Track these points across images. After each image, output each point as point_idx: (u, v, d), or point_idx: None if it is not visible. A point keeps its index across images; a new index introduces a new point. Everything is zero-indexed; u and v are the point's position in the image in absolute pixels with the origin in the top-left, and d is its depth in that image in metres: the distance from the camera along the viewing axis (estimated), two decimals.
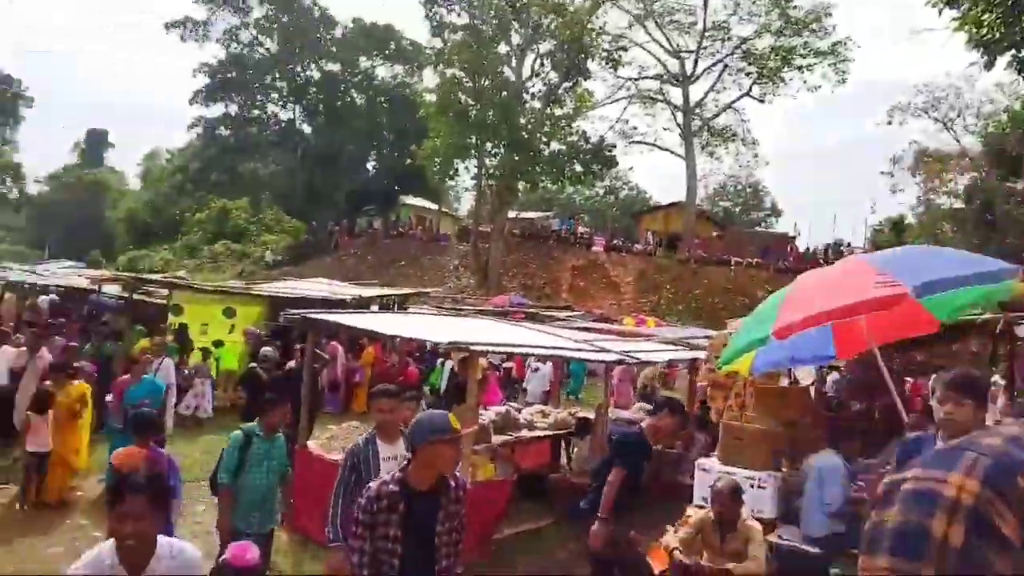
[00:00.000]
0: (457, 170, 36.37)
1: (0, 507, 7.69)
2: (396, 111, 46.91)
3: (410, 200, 51.04)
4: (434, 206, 51.09)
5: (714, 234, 43.33)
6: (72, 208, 72.02)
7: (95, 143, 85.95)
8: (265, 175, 50.56)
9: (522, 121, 33.43)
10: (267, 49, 49.71)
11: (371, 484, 3.25)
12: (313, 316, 7.87)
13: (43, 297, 16.73)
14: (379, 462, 4.48)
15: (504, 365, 14.63)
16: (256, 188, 50.87)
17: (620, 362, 8.11)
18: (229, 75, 48.83)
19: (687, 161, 40.15)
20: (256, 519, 5.15)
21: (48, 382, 8.20)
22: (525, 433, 9.40)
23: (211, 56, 50.14)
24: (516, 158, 33.23)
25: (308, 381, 8.47)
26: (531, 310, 22.93)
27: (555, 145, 34.30)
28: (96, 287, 15.59)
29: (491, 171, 35.61)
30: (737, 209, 63.46)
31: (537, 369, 13.92)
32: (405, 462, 3.28)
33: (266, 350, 10.52)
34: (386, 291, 19.90)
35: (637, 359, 8.31)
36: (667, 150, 42.10)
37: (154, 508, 2.79)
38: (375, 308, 17.91)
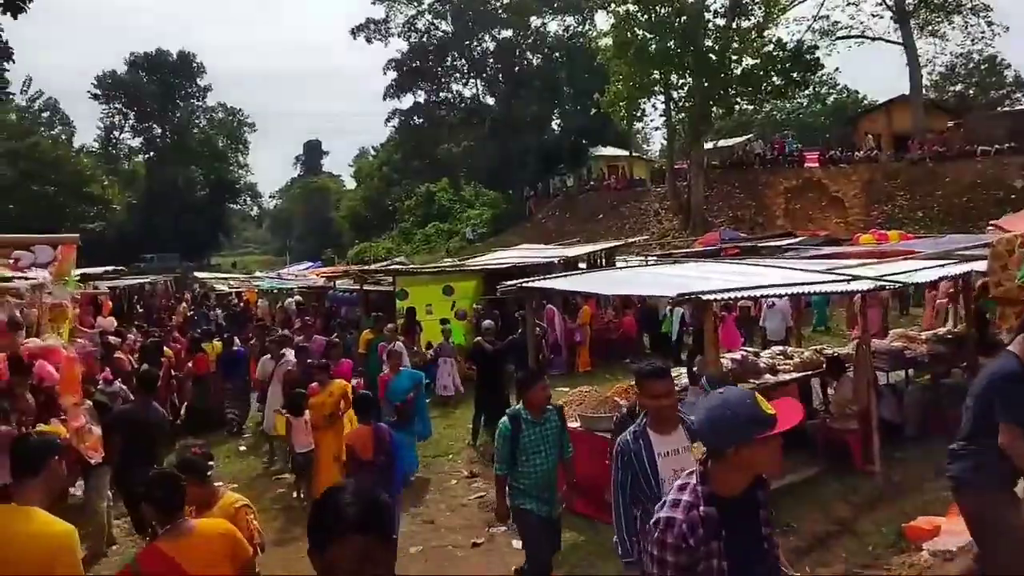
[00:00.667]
0: (644, 110, 35.00)
1: (281, 496, 8.53)
2: (573, 64, 46.15)
3: (599, 151, 50.20)
4: (624, 152, 49.79)
5: (949, 125, 37.46)
6: (304, 215, 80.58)
7: (312, 154, 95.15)
8: (459, 153, 52.44)
9: (707, 43, 31.12)
10: (443, 31, 51.14)
11: (669, 512, 2.45)
12: (529, 285, 7.68)
13: (288, 300, 18.62)
14: (655, 459, 3.71)
15: (739, 303, 13.49)
16: (453, 167, 53.00)
17: (880, 288, 7.00)
18: (414, 65, 51.01)
19: (905, 47, 34.96)
20: (543, 504, 4.90)
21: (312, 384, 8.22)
22: (768, 378, 8.59)
23: (395, 51, 52.67)
24: (706, 84, 31.11)
25: (532, 348, 8.39)
26: (745, 243, 21.42)
27: (747, 61, 31.53)
28: (331, 284, 16.98)
29: (680, 103, 33.71)
30: (972, 91, 54.42)
31: (773, 305, 12.78)
32: (700, 466, 2.53)
33: (487, 323, 10.65)
34: (590, 247, 19.59)
35: (901, 283, 7.12)
36: (879, 39, 37.01)
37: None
38: (583, 266, 17.71)
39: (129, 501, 6.38)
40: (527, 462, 4.82)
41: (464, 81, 53.28)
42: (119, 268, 16.53)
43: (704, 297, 5.85)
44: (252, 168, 72.46)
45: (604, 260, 17.96)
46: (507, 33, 50.64)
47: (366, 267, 20.10)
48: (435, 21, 51.17)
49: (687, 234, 31.84)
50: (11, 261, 4.33)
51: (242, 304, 23.91)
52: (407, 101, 52.73)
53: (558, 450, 4.98)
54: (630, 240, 24.21)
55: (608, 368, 14.74)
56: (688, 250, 23.47)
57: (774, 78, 31.57)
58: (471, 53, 51.33)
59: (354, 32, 50.67)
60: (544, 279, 8.30)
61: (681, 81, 32.72)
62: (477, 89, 53.34)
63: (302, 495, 8.06)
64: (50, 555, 2.78)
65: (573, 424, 7.46)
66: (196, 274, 41.47)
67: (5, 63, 26.93)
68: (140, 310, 23.54)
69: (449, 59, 51.82)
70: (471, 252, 33.42)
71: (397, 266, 21.62)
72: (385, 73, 51.45)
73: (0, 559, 2.74)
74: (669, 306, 13.57)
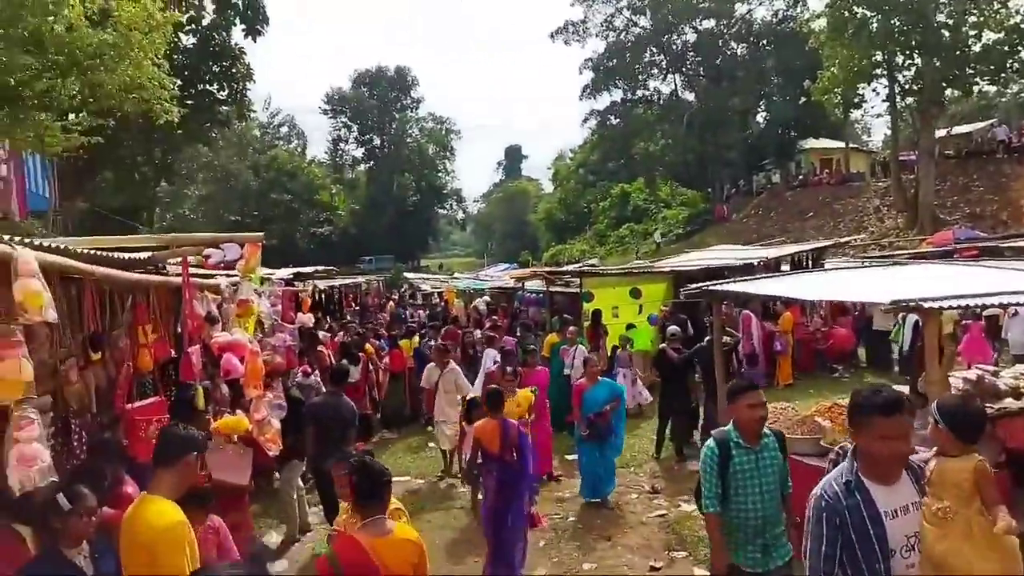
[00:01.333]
0: (863, 97, 31.62)
1: (452, 499, 8.59)
2: (781, 51, 43.10)
3: (810, 143, 46.46)
4: (840, 144, 45.60)
5: None
6: (503, 218, 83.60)
7: (513, 158, 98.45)
8: (655, 151, 51.25)
9: (940, 18, 27.45)
10: (641, 27, 50.33)
11: None
12: (715, 288, 7.04)
13: (479, 300, 19.19)
14: (881, 520, 2.72)
15: (986, 313, 11.51)
16: (650, 166, 51.91)
17: None
18: (610, 64, 50.68)
19: None
20: (756, 554, 3.97)
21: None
22: (1010, 403, 7.16)
23: (592, 51, 52.74)
24: (937, 64, 27.46)
25: (719, 357, 7.70)
26: (986, 243, 18.50)
27: (988, 35, 27.34)
28: (520, 285, 17.21)
29: (907, 87, 30.09)
30: None
31: (1016, 313, 10.80)
32: None
33: (672, 328, 10.08)
34: (796, 247, 17.99)
35: None
36: None
37: None
38: (785, 268, 16.31)
39: (322, 490, 6.72)
40: (736, 498, 3.93)
41: (662, 77, 51.95)
42: (329, 268, 17.90)
43: (926, 305, 4.91)
44: (458, 174, 76.51)
45: (811, 262, 16.37)
46: (709, 23, 48.60)
47: (553, 269, 20.14)
48: (633, 17, 50.44)
49: (913, 233, 28.31)
50: (203, 258, 4.71)
51: (442, 303, 25.15)
52: (603, 101, 52.53)
53: (778, 487, 4.02)
54: (843, 240, 21.90)
55: (812, 382, 13.45)
56: (915, 251, 20.79)
57: (1021, 53, 27.10)
58: (670, 47, 49.93)
59: (553, 35, 51.44)
60: (732, 282, 7.58)
61: (908, 62, 29.19)
62: (675, 84, 51.79)
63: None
64: (152, 542, 2.92)
65: None
66: (406, 275, 44.45)
67: (248, 84, 30.61)
68: (356, 307, 25.64)
69: (647, 55, 50.82)
70: (664, 254, 32.41)
71: (585, 267, 21.47)
72: (581, 73, 51.68)
73: (124, 541, 2.99)
74: (899, 313, 11.96)
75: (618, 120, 52.21)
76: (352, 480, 3.38)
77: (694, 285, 7.33)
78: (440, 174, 72.10)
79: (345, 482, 3.49)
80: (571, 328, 11.05)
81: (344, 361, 8.81)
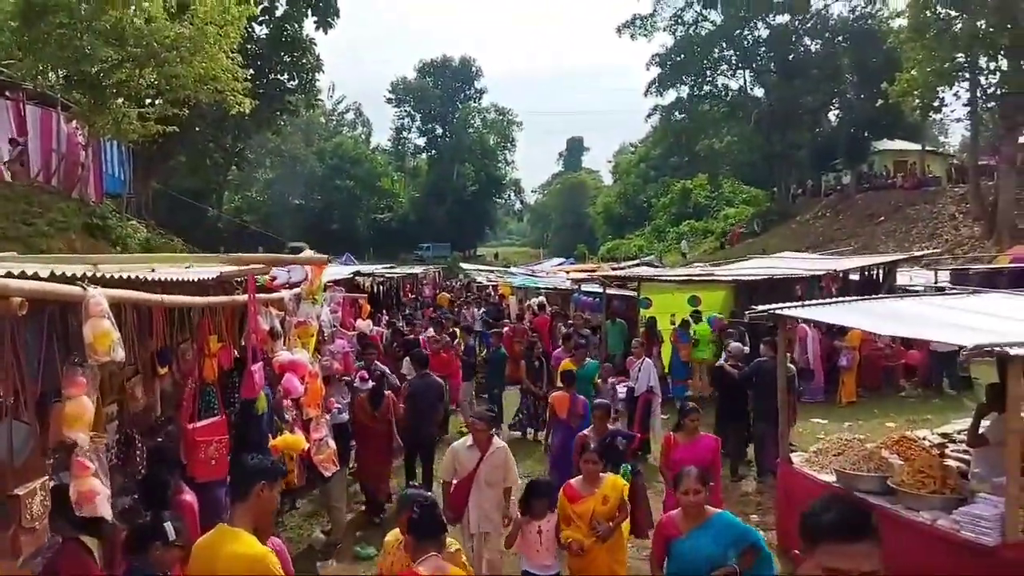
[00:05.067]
0: (943, 99, 30.20)
1: None
2: (858, 49, 41.45)
3: (884, 145, 44.65)
4: (916, 146, 43.70)
5: None
6: (561, 210, 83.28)
7: (574, 150, 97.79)
8: (721, 148, 50.13)
9: None
10: (712, 22, 49.17)
11: None
12: (783, 313, 6.81)
13: (533, 299, 19.11)
14: None
15: None
16: (714, 163, 50.82)
17: None
18: (678, 59, 49.67)
19: None
20: None
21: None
22: None
23: (659, 46, 51.76)
24: None
25: (782, 378, 7.44)
26: None
27: None
28: (577, 287, 17.07)
29: (990, 91, 28.60)
30: None
31: None
32: None
33: (734, 345, 9.82)
34: (866, 260, 17.30)
35: None
36: None
37: None
38: (854, 277, 15.72)
39: (413, 461, 8.18)
40: None
41: (731, 72, 50.61)
42: (391, 265, 18.08)
43: (1012, 352, 4.62)
44: (517, 164, 76.34)
45: (883, 276, 15.70)
46: (783, 18, 47.05)
47: (611, 270, 19.87)
48: (704, 11, 49.26)
49: (990, 244, 27.00)
50: (269, 279, 4.80)
51: (497, 298, 25.18)
52: (669, 96, 51.55)
53: None
54: (917, 254, 20.96)
55: (877, 401, 12.94)
56: (991, 266, 19.79)
57: None
58: (741, 42, 48.59)
59: (620, 29, 50.66)
60: (802, 306, 7.32)
61: (992, 64, 27.75)
62: (744, 81, 50.40)
63: None
64: (244, 571, 2.98)
65: (827, 477, 6.49)
66: (462, 264, 44.72)
67: (316, 74, 31.23)
68: (412, 296, 25.92)
69: (716, 51, 49.58)
70: (725, 256, 31.72)
71: (644, 268, 21.12)
72: (648, 69, 50.77)
73: (209, 573, 3.00)
74: None
75: (683, 116, 51.17)
76: (414, 517, 3.39)
77: (760, 308, 7.09)
78: (500, 164, 72.13)
79: (406, 518, 3.49)
80: (636, 341, 10.86)
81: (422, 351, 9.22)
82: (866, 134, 43.35)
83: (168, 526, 3.45)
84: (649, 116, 53.98)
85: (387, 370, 8.77)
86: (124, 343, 3.91)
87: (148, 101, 17.81)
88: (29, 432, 3.29)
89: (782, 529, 6.89)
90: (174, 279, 3.80)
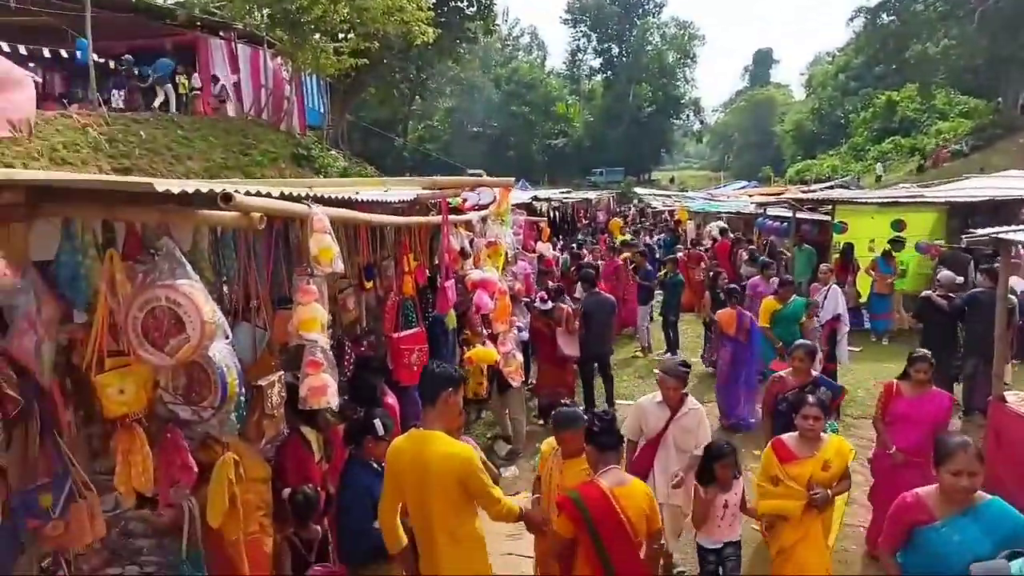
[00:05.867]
0: None
1: None
2: None
3: None
4: None
5: None
6: (745, 129, 78.32)
7: (761, 63, 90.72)
8: (935, 54, 44.06)
9: None
10: None
11: None
12: (1007, 237, 6.03)
13: (712, 224, 18.27)
14: None
15: None
16: (926, 71, 44.85)
17: None
18: None
19: None
20: None
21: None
22: None
23: None
24: None
25: (1001, 312, 6.65)
26: None
27: None
28: (762, 210, 16.08)
29: None
30: None
31: None
32: None
33: (945, 274, 8.89)
34: None
35: None
36: None
37: None
38: None
39: (591, 375, 8.47)
40: None
41: None
42: (566, 191, 18.14)
43: None
44: (698, 82, 72.32)
45: None
46: None
47: (803, 192, 18.50)
48: None
49: None
50: (460, 201, 5.04)
51: (674, 223, 24.46)
52: None
53: None
54: None
55: None
56: None
57: None
58: None
59: None
60: None
61: None
62: None
63: None
64: (458, 471, 3.23)
65: None
66: (636, 190, 43.75)
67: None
68: (587, 222, 25.90)
69: None
70: (939, 174, 28.35)
71: (841, 189, 19.45)
72: None
73: (422, 474, 3.27)
74: None
75: (892, 17, 45.37)
76: (595, 429, 3.53)
77: (981, 232, 6.33)
78: (679, 83, 68.74)
79: (582, 430, 3.63)
80: (823, 266, 10.16)
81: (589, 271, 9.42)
82: None
83: (378, 423, 3.90)
84: (851, 20, 48.58)
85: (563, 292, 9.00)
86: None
87: (341, 36, 18.97)
88: (262, 334, 3.80)
89: (991, 475, 6.32)
90: (377, 200, 4.11)
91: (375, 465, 3.84)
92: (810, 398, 4.26)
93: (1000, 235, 6.26)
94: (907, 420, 5.12)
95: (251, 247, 3.60)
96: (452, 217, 5.08)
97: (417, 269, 5.40)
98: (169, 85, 16.72)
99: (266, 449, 3.96)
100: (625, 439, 4.21)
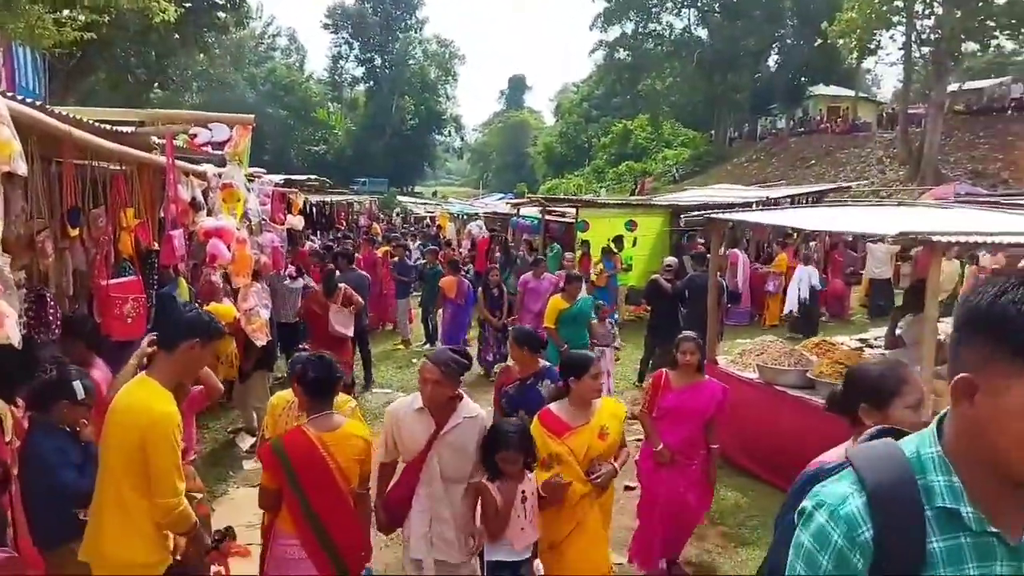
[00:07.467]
0: (879, 43, 30.90)
1: None
2: None
3: (819, 90, 45.55)
4: (849, 92, 44.73)
5: None
6: (502, 149, 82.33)
7: (516, 88, 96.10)
8: (662, 89, 50.13)
9: None
10: None
11: None
12: (716, 216, 6.90)
13: (472, 224, 18.99)
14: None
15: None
16: (655, 104, 50.85)
17: None
18: None
19: None
20: None
21: None
22: None
23: None
24: (958, 14, 26.72)
25: (713, 289, 7.61)
26: (986, 200, 18.34)
27: None
28: (516, 211, 17.00)
29: (924, 36, 29.39)
30: None
31: None
32: None
33: (669, 259, 9.96)
34: (796, 189, 17.77)
35: None
36: None
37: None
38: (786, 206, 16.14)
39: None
40: None
41: (676, 11, 50.33)
42: (323, 180, 17.56)
43: (935, 239, 4.78)
44: (458, 101, 74.68)
45: (811, 205, 16.18)
46: None
47: (550, 196, 19.84)
48: None
49: (913, 185, 28.14)
50: (189, 138, 4.50)
51: (435, 228, 24.89)
52: (614, 32, 50.95)
53: None
54: (845, 185, 21.60)
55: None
56: (915, 201, 20.62)
57: None
58: None
59: None
60: (735, 210, 7.44)
61: (928, 10, 28.46)
62: (689, 20, 50.22)
63: None
64: (141, 429, 2.72)
65: (751, 374, 6.74)
66: (399, 198, 43.90)
67: None
68: (344, 226, 25.28)
69: None
70: (664, 192, 32.09)
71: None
72: (594, 1, 49.97)
73: (113, 420, 2.79)
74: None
75: (627, 53, 50.77)
76: (303, 374, 3.26)
77: (695, 212, 7.17)
78: (441, 99, 70.37)
79: (296, 377, 3.36)
80: (567, 255, 10.89)
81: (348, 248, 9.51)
82: (803, 79, 44.11)
83: (78, 384, 3.26)
84: (593, 51, 53.45)
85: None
86: (32, 196, 3.65)
87: (67, 12, 16.51)
88: None
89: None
90: (86, 120, 3.51)
91: (67, 429, 3.23)
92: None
93: (710, 215, 7.15)
94: (675, 414, 4.55)
95: None
96: (181, 164, 4.52)
97: (139, 228, 4.73)
98: None
99: None
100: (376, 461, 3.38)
